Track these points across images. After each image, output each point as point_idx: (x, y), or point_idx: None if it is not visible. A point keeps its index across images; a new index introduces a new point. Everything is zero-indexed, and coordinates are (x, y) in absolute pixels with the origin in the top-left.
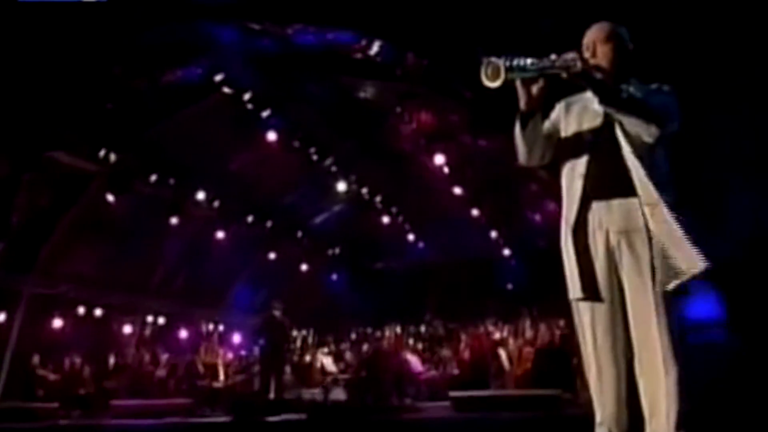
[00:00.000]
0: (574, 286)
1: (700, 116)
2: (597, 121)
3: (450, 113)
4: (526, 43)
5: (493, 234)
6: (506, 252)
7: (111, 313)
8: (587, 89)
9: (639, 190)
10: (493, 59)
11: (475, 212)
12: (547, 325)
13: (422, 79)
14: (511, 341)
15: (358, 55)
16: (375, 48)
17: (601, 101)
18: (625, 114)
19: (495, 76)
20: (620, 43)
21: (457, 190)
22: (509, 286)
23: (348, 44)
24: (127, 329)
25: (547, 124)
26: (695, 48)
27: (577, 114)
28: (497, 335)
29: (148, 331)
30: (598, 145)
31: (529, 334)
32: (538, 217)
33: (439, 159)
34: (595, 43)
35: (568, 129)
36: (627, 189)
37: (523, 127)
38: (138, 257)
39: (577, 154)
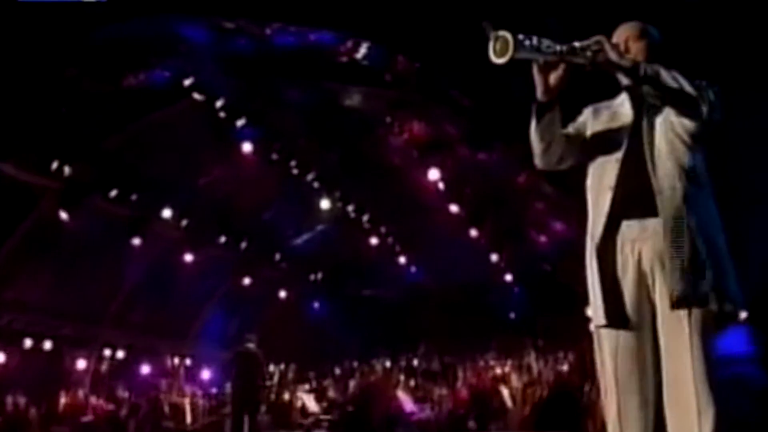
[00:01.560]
0: (597, 312)
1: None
2: (627, 128)
3: (446, 123)
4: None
5: (494, 257)
6: (508, 277)
7: (62, 345)
8: (617, 94)
9: (666, 201)
10: (502, 32)
11: (473, 233)
12: (555, 360)
13: (415, 84)
14: (514, 377)
15: (344, 58)
16: (362, 50)
17: (638, 82)
18: (666, 92)
19: (503, 51)
20: (653, 42)
21: (454, 209)
22: (512, 316)
23: (332, 46)
24: (81, 364)
25: (570, 128)
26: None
27: (607, 119)
28: (499, 370)
29: (104, 367)
30: (629, 153)
31: (534, 369)
32: (543, 239)
33: (434, 174)
34: (627, 41)
35: (594, 135)
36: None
37: (539, 120)
38: (94, 283)
39: (605, 164)
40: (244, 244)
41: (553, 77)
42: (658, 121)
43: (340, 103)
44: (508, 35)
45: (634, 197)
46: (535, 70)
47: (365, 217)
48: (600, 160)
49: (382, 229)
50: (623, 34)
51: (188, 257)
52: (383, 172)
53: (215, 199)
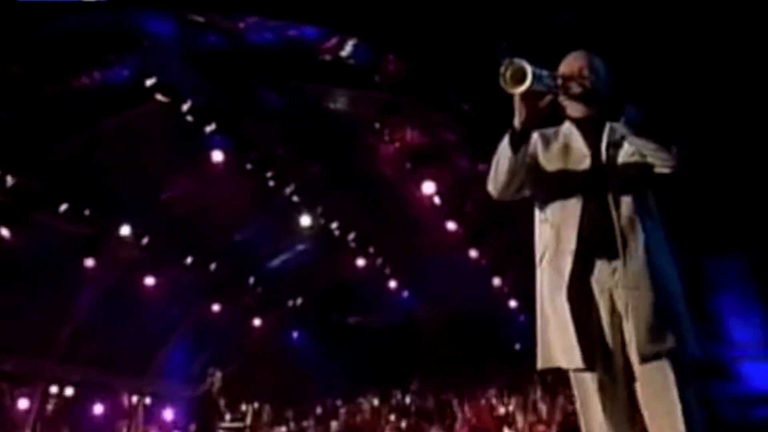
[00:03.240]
0: (571, 354)
1: None
2: (585, 163)
3: (443, 130)
4: (539, 39)
5: (497, 281)
6: (513, 303)
7: (1, 383)
8: (562, 120)
9: (630, 244)
10: (518, 60)
11: (473, 254)
12: (565, 397)
13: (408, 87)
14: (519, 417)
15: (327, 57)
16: (348, 48)
17: (627, 121)
18: (646, 134)
19: (518, 82)
20: (601, 73)
21: (452, 227)
22: (517, 347)
23: (315, 43)
24: (23, 404)
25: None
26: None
27: (559, 153)
28: (502, 409)
29: (51, 406)
30: (590, 191)
31: (541, 408)
32: None
33: (429, 187)
34: (581, 70)
35: (548, 168)
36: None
37: (515, 150)
38: (41, 311)
39: (565, 200)
40: (213, 267)
41: (538, 107)
42: (619, 160)
43: (323, 107)
44: (528, 67)
45: (598, 236)
46: (517, 97)
47: (351, 236)
48: (558, 195)
49: (370, 249)
50: (575, 63)
51: (149, 281)
52: (371, 185)
53: (181, 215)
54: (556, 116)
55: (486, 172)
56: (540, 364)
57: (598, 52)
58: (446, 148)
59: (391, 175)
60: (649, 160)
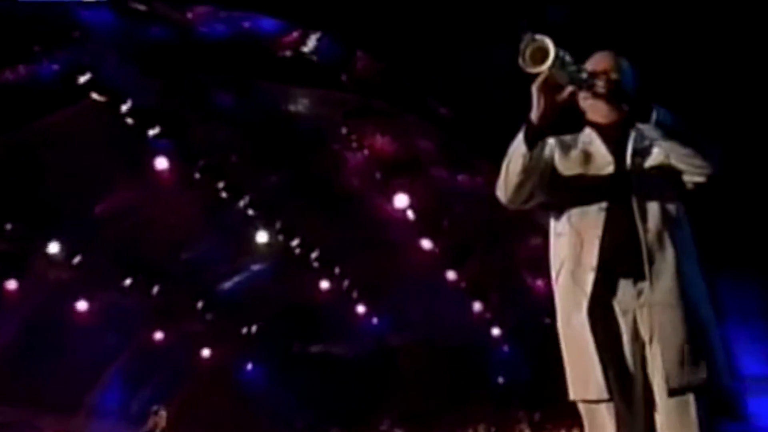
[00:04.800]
0: (593, 384)
1: None
2: (609, 170)
3: (417, 137)
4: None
5: (478, 306)
6: (496, 332)
7: None
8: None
9: (658, 264)
10: (543, 38)
11: (451, 276)
12: None
13: (378, 88)
14: None
15: (288, 52)
16: (311, 42)
17: (658, 122)
18: (678, 138)
19: (539, 60)
20: (629, 76)
21: (427, 245)
22: (501, 380)
23: (273, 36)
24: None
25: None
26: None
27: (579, 160)
28: None
29: None
30: (614, 202)
31: None
32: (540, 283)
33: (402, 201)
34: (607, 72)
35: (567, 175)
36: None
37: (530, 146)
38: None
39: (585, 212)
40: (156, 289)
41: (557, 100)
42: (647, 167)
43: (282, 109)
44: (551, 45)
45: (621, 252)
46: (536, 86)
47: (314, 255)
48: (578, 206)
49: (336, 270)
50: (601, 64)
51: (82, 306)
52: (337, 197)
53: (119, 231)
54: (575, 123)
55: (465, 185)
56: (571, 395)
57: (594, 50)
58: (421, 156)
59: (359, 186)
60: (681, 166)
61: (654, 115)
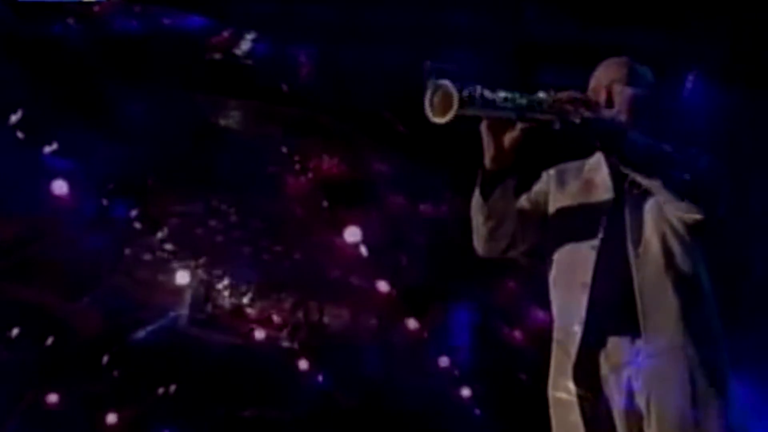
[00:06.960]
0: None
1: None
2: (606, 205)
3: (371, 159)
4: (502, 36)
5: (445, 361)
6: (466, 392)
7: None
8: (592, 151)
9: (655, 315)
10: (444, 82)
11: (412, 324)
12: None
13: (326, 99)
14: None
15: (217, 55)
16: (246, 44)
17: (623, 161)
18: (658, 180)
19: (444, 109)
20: (644, 89)
21: (383, 287)
22: None
23: (200, 36)
24: None
25: (525, 201)
26: None
27: (577, 191)
28: None
29: None
30: (608, 240)
31: None
32: (518, 334)
33: (353, 234)
34: (612, 85)
35: (560, 212)
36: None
37: (486, 195)
38: None
39: (574, 253)
40: (50, 341)
41: (507, 139)
42: (648, 202)
43: (210, 123)
44: (451, 87)
45: (614, 301)
46: (483, 127)
47: (246, 299)
48: (567, 248)
49: (274, 318)
50: (608, 75)
51: None
52: (275, 229)
53: (3, 269)
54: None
55: (429, 216)
56: None
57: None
58: (376, 182)
59: (302, 216)
60: (667, 207)
61: (622, 147)
